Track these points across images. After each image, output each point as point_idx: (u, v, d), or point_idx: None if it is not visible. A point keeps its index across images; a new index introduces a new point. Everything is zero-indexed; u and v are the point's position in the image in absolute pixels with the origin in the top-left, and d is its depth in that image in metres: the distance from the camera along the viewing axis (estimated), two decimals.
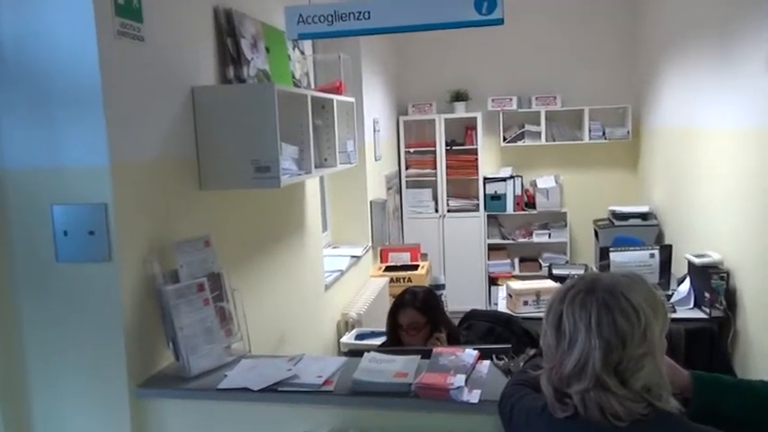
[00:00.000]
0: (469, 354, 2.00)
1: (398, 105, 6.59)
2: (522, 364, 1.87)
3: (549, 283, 3.96)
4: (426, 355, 2.02)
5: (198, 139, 2.32)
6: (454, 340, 2.54)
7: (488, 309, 6.18)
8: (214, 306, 2.12)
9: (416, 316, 2.56)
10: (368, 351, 2.09)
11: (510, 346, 2.20)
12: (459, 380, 1.82)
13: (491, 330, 2.72)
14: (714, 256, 3.75)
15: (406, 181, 6.57)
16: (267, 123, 2.24)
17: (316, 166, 2.77)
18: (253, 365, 2.09)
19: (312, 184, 3.72)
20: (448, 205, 6.56)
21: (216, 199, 2.46)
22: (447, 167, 6.48)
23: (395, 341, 2.61)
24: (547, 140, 6.35)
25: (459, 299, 5.79)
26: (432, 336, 2.53)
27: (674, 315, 3.61)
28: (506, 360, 1.99)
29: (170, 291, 2.01)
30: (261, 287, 2.89)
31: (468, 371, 1.90)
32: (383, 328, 3.18)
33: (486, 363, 2.00)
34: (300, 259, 3.46)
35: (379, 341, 3.27)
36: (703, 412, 1.35)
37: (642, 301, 1.27)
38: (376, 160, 5.42)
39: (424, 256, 5.65)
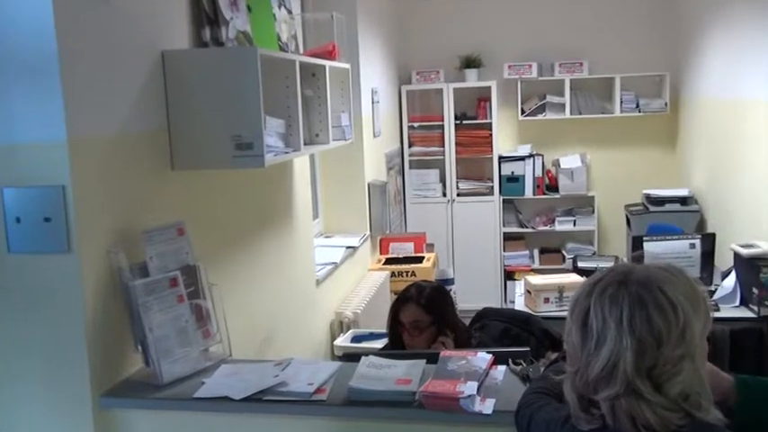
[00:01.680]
0: (482, 358, 2.01)
1: (401, 73, 6.57)
2: (542, 369, 1.88)
3: (574, 278, 3.96)
4: (433, 359, 2.02)
5: (169, 112, 2.31)
6: (463, 346, 2.55)
7: (504, 307, 6.19)
8: (189, 303, 2.13)
9: (420, 314, 2.57)
10: (366, 355, 2.09)
11: (528, 349, 2.22)
12: (471, 387, 1.83)
13: (507, 331, 2.73)
14: (764, 247, 3.75)
15: (410, 160, 6.57)
16: (249, 93, 2.23)
17: (305, 143, 2.76)
18: (234, 371, 2.10)
19: (301, 164, 3.72)
20: (457, 188, 6.55)
21: (190, 181, 2.45)
22: (456, 145, 6.47)
23: (396, 341, 2.62)
24: (572, 113, 6.33)
25: (471, 295, 5.81)
26: (436, 339, 2.54)
27: (717, 314, 3.62)
28: (524, 365, 2.00)
29: (138, 286, 2.01)
30: (243, 282, 2.90)
31: (480, 377, 1.91)
32: (383, 330, 3.19)
33: (502, 368, 2.01)
34: (288, 250, 3.46)
35: (378, 344, 3.28)
36: (749, 422, 1.36)
37: (681, 296, 1.27)
38: (375, 136, 5.41)
39: (431, 247, 5.65)
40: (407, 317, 2.58)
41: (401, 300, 2.65)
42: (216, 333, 2.23)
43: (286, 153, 2.57)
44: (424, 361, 2.03)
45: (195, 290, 2.18)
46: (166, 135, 2.32)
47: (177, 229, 2.18)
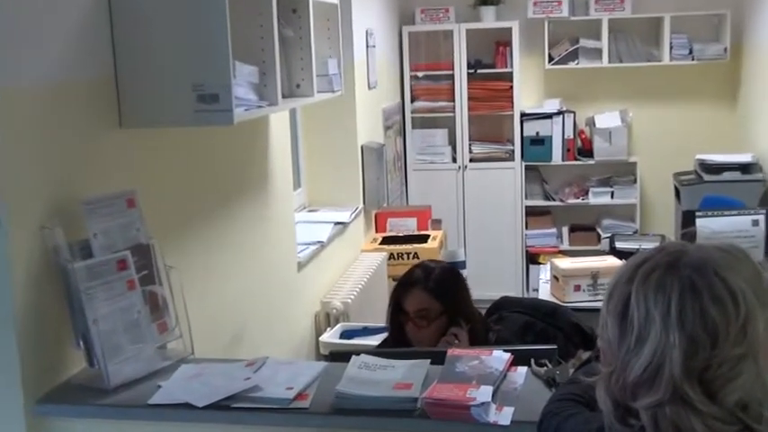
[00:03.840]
0: (499, 357, 2.01)
1: (402, 10, 6.53)
2: (571, 371, 1.88)
3: (611, 261, 3.97)
4: (439, 358, 2.02)
5: (117, 56, 2.30)
6: (480, 340, 2.56)
7: (525, 296, 6.21)
8: (142, 291, 2.13)
9: (427, 301, 2.58)
10: (357, 354, 2.10)
11: (555, 347, 2.22)
12: (485, 393, 1.83)
13: (529, 326, 2.73)
14: None
15: (413, 118, 6.55)
16: (214, 32, 2.21)
17: (283, 96, 2.75)
18: (196, 373, 2.11)
19: (279, 122, 3.70)
20: (470, 152, 6.55)
21: (143, 141, 2.45)
22: (469, 99, 6.45)
23: (398, 334, 2.63)
24: (611, 61, 6.30)
25: (486, 282, 5.80)
26: (447, 331, 2.55)
27: None
28: (550, 366, 2.00)
29: (80, 269, 2.00)
30: (208, 265, 2.90)
31: (496, 381, 1.91)
32: (379, 323, 3.19)
33: (522, 370, 2.02)
34: (263, 227, 3.46)
35: (372, 341, 3.29)
36: None
37: (743, 283, 1.25)
38: (370, 88, 5.39)
39: (437, 224, 5.65)
40: (412, 305, 2.59)
41: (405, 284, 2.65)
42: (174, 327, 2.23)
43: (260, 107, 2.55)
44: (429, 361, 2.03)
45: (149, 274, 2.17)
46: (113, 84, 2.30)
47: (127, 200, 2.18)
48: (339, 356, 2.28)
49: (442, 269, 2.71)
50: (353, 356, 2.07)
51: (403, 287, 2.65)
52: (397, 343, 2.62)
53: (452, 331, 2.54)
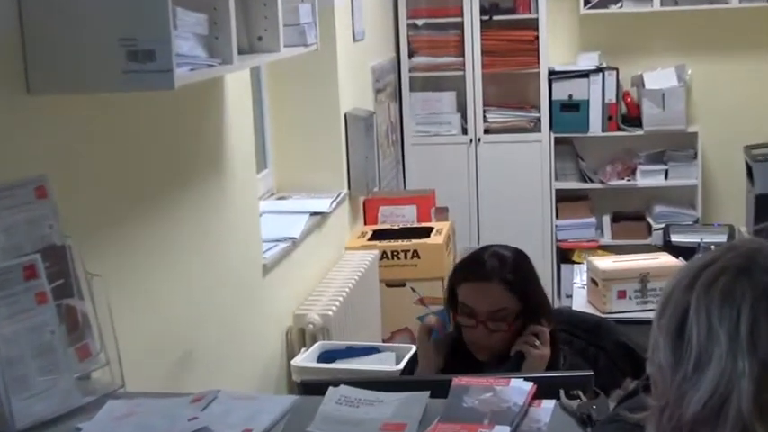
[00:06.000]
0: (518, 388, 2.01)
1: None
2: (612, 405, 1.87)
3: (665, 259, 3.98)
4: (440, 390, 2.02)
5: (21, 4, 2.27)
6: (557, 349, 2.60)
7: (559, 306, 6.20)
8: (56, 305, 2.12)
9: (506, 298, 2.57)
10: (335, 385, 2.09)
11: (591, 373, 2.21)
12: None
13: (566, 345, 2.73)
14: None
15: (411, 78, 6.57)
16: None
17: (241, 52, 2.75)
18: (128, 411, 2.10)
19: (238, 86, 3.70)
20: (485, 121, 6.57)
21: (58, 111, 2.43)
22: (484, 54, 6.47)
23: (457, 339, 2.64)
24: (663, 4, 6.32)
25: None
26: (522, 332, 2.57)
27: None
28: (584, 399, 2.00)
29: None
30: (143, 271, 2.89)
31: (515, 419, 1.91)
32: (369, 342, 3.17)
33: (550, 404, 2.01)
34: (218, 220, 3.46)
35: (359, 364, 3.27)
36: None
37: None
38: (355, 41, 5.40)
39: (443, 213, 5.66)
40: (487, 303, 2.58)
41: (473, 277, 2.64)
42: (99, 351, 2.23)
43: (210, 66, 2.54)
44: (428, 393, 2.03)
45: (65, 284, 2.17)
46: (18, 39, 2.28)
47: (36, 189, 2.17)
48: (313, 388, 2.28)
49: (515, 254, 2.75)
50: (330, 388, 2.07)
51: (472, 281, 2.65)
52: (456, 353, 2.64)
53: (532, 329, 2.56)
